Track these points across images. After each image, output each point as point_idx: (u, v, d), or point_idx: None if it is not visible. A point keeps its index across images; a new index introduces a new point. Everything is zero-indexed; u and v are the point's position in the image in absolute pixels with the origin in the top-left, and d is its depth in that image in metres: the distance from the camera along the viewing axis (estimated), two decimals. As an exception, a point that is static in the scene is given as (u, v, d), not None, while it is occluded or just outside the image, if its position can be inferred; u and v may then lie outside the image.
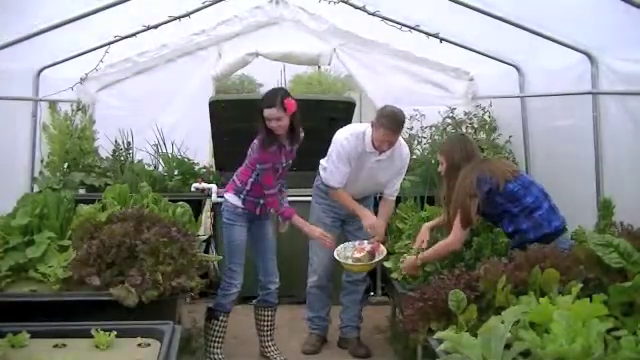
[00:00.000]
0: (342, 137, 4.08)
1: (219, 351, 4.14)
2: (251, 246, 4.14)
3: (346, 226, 4.35)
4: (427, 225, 3.88)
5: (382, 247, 4.05)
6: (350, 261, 4.03)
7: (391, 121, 3.92)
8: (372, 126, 3.98)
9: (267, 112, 3.74)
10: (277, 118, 3.74)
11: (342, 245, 4.13)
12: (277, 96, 3.77)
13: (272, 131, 3.79)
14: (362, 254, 4.01)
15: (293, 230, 4.94)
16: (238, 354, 4.38)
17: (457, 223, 3.46)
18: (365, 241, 4.10)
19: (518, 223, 3.40)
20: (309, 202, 4.45)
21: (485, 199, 3.41)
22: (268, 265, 4.17)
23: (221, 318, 4.10)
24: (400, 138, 4.14)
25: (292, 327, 4.74)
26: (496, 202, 3.42)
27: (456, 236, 3.50)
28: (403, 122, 4.02)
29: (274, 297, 4.22)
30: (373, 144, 4.00)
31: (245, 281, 4.12)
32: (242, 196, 3.98)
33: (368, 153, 4.04)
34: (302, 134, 4.02)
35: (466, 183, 3.42)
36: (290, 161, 4.02)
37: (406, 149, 4.24)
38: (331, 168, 4.11)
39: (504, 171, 3.47)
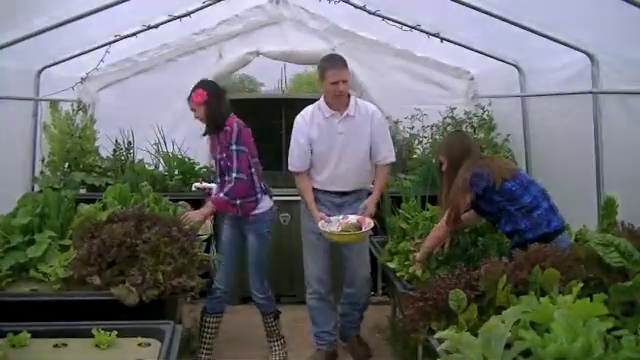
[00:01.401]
0: (298, 117, 4.09)
1: (205, 351, 4.10)
2: None
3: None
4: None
5: (368, 219, 3.94)
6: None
7: (330, 59, 4.01)
8: (321, 82, 3.99)
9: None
10: (192, 110, 3.93)
11: (326, 220, 3.97)
12: (191, 92, 3.91)
13: None
14: (347, 226, 3.90)
15: (294, 230, 4.95)
16: (238, 354, 4.38)
17: (445, 216, 3.52)
18: (350, 215, 4.00)
19: (516, 222, 3.40)
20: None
21: (482, 196, 3.41)
22: (250, 278, 4.11)
23: (205, 318, 4.08)
24: (364, 101, 4.16)
25: (293, 327, 4.73)
26: (493, 200, 3.42)
27: (441, 225, 3.58)
28: (343, 58, 4.00)
29: (263, 307, 4.16)
30: (329, 106, 3.97)
31: (244, 281, 4.11)
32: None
33: (329, 118, 3.99)
34: (231, 131, 3.86)
35: (461, 179, 3.43)
36: (225, 155, 3.94)
37: (372, 107, 4.14)
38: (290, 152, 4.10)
39: (502, 169, 3.47)
